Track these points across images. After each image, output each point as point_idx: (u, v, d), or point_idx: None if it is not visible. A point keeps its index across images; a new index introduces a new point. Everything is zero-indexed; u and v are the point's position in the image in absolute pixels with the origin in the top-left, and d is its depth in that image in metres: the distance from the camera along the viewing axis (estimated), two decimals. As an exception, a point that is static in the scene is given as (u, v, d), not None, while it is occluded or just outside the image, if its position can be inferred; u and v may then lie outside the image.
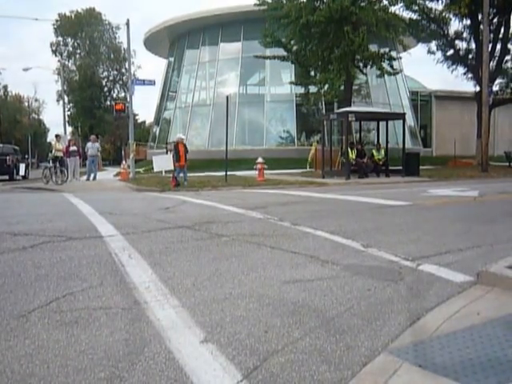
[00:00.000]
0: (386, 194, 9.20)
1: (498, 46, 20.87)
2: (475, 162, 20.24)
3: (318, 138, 23.79)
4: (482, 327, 2.27)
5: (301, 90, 20.94)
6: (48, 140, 46.94)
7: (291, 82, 22.10)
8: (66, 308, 2.67)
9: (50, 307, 2.69)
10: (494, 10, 19.59)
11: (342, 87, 18.32)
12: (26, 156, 28.16)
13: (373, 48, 19.01)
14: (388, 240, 4.55)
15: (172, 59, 32.53)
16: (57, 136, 16.01)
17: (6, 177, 18.35)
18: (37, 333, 2.33)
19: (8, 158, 18.50)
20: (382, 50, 19.21)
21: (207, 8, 27.57)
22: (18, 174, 19.49)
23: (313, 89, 19.62)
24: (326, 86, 17.96)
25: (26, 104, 53.44)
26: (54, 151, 14.70)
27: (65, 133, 25.85)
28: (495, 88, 21.28)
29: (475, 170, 17.44)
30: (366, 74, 21.36)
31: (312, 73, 19.44)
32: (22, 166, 20.31)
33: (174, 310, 2.63)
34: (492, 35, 19.68)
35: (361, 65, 18.79)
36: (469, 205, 7.58)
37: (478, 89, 20.16)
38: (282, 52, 19.27)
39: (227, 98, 13.67)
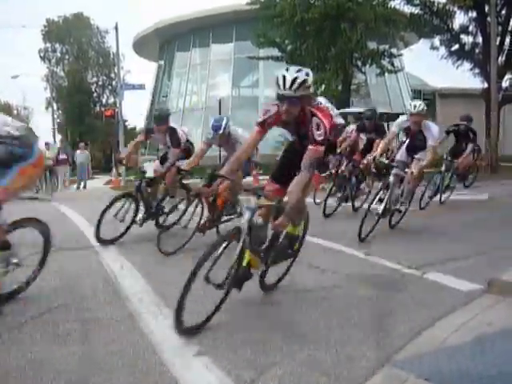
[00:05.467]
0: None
1: (507, 39, 20.16)
2: (484, 163, 19.87)
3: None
4: (494, 339, 2.22)
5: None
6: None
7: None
8: (59, 319, 2.68)
9: (43, 319, 2.70)
10: (502, 1, 19.22)
11: (340, 87, 18.25)
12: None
13: (372, 45, 18.98)
14: (391, 247, 4.54)
15: (162, 62, 32.54)
16: (46, 144, 15.93)
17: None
18: (30, 345, 2.34)
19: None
20: (381, 48, 19.15)
21: (197, 8, 27.56)
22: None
23: (309, 90, 19.52)
24: (323, 87, 17.82)
25: (15, 112, 53.64)
26: (45, 160, 14.61)
27: (54, 141, 25.83)
28: (504, 84, 20.84)
29: (484, 171, 17.26)
30: (364, 73, 21.34)
31: (308, 73, 19.41)
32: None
33: (168, 321, 2.63)
34: (500, 28, 19.16)
35: (359, 63, 18.73)
36: (477, 208, 7.42)
37: (485, 85, 19.80)
38: (275, 52, 19.23)
39: (219, 101, 13.75)
